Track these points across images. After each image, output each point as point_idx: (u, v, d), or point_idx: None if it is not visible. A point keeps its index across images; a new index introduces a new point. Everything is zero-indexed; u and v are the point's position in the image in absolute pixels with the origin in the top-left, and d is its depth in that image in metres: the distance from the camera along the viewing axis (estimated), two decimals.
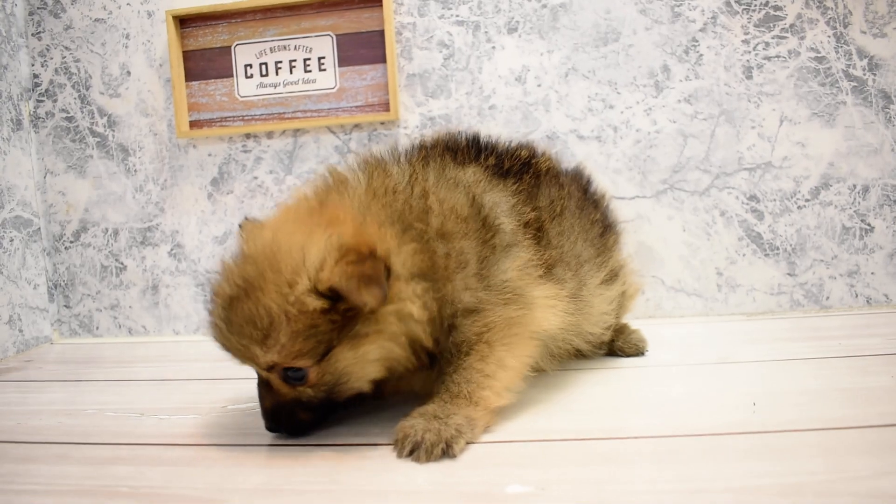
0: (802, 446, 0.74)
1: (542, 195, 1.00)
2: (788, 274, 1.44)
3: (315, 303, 0.75)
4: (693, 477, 0.68)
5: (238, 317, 0.77)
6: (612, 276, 1.09)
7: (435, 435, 0.76)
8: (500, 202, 0.92)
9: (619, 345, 1.16)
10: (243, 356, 0.79)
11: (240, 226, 0.90)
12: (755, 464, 0.70)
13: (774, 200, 1.43)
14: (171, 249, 1.61)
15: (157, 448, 0.86)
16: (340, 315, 0.76)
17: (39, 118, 1.63)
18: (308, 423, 0.84)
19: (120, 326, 1.64)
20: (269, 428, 0.83)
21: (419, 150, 0.98)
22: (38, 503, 0.72)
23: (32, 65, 1.62)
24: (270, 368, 0.78)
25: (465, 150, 1.00)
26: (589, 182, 1.17)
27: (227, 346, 0.80)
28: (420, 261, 0.81)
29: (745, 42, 1.42)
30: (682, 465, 0.71)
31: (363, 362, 0.79)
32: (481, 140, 1.04)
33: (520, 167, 1.01)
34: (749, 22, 1.42)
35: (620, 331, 1.17)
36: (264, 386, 0.82)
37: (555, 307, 0.90)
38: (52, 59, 1.61)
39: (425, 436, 0.76)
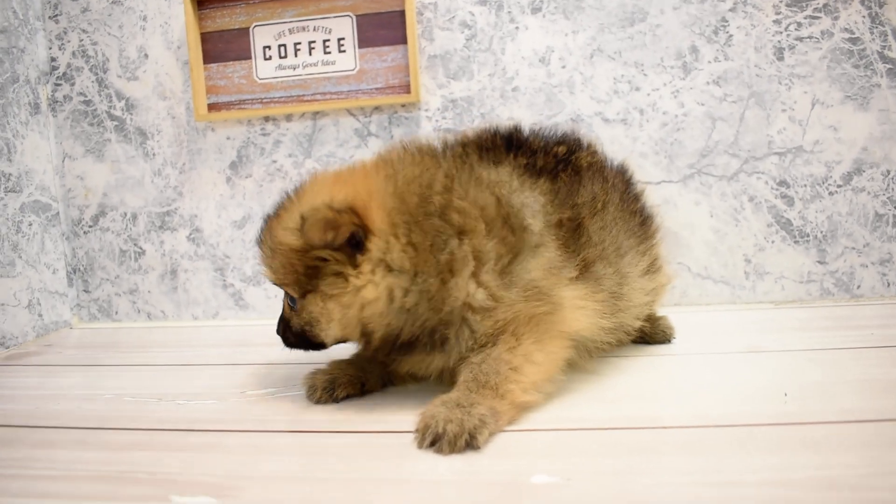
0: (836, 438, 0.72)
1: (584, 191, 0.99)
2: (819, 262, 1.41)
3: (290, 239, 0.86)
4: (723, 468, 0.66)
5: (264, 233, 0.94)
6: (653, 265, 1.08)
7: (458, 426, 0.74)
8: (529, 203, 0.91)
9: (646, 331, 1.14)
10: (261, 266, 0.95)
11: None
12: (787, 456, 0.68)
13: (805, 186, 1.40)
14: (190, 234, 1.60)
15: (175, 434, 0.85)
16: (311, 261, 0.86)
17: (57, 102, 1.62)
18: (292, 342, 0.96)
19: (139, 311, 1.64)
20: (276, 330, 0.98)
21: (460, 146, 0.98)
22: (56, 488, 0.71)
23: (50, 48, 1.61)
24: (273, 283, 0.93)
25: (498, 148, 0.99)
26: (632, 176, 1.15)
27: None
28: (406, 258, 0.84)
29: (777, 22, 1.38)
30: (712, 457, 0.69)
31: (328, 317, 0.88)
32: (519, 135, 1.03)
33: (555, 165, 1.00)
34: (780, 1, 1.38)
35: (648, 317, 1.15)
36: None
37: (585, 308, 0.90)
38: (69, 42, 1.60)
39: (447, 427, 0.74)
